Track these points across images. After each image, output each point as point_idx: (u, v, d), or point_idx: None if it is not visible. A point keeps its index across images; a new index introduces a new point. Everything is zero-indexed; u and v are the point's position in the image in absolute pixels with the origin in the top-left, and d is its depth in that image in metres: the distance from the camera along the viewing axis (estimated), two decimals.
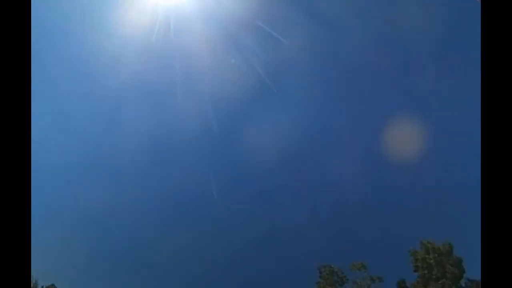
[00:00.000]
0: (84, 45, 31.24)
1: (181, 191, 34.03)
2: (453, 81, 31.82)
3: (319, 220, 31.83)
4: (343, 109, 35.20)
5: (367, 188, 33.11)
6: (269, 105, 33.03)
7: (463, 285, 26.32)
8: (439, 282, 25.79)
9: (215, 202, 33.12)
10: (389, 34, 31.72)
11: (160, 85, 32.97)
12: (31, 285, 25.35)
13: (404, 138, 29.68)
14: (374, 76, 33.14)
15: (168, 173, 34.32)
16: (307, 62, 31.81)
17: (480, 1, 4.97)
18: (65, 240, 28.83)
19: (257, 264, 31.43)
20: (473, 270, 26.09)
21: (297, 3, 31.55)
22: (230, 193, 34.54)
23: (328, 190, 32.37)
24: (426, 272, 26.81)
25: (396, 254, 29.34)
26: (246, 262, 31.78)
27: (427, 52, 32.14)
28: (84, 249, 30.14)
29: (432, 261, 26.76)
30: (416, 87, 32.66)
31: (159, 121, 34.31)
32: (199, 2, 30.16)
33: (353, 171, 31.66)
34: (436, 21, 29.31)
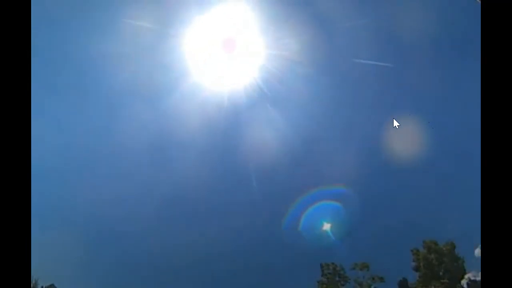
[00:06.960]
0: (84, 44, 31.25)
1: (180, 191, 34.06)
2: (452, 81, 31.84)
3: (319, 220, 31.80)
4: (342, 110, 35.23)
5: (367, 189, 33.14)
6: (268, 108, 33.07)
7: (465, 285, 26.30)
8: (441, 281, 25.77)
9: (215, 203, 33.16)
10: (389, 35, 31.73)
11: (160, 86, 32.99)
12: (31, 285, 25.35)
13: (404, 139, 29.66)
14: (373, 76, 33.16)
15: (168, 173, 34.37)
16: (305, 64, 31.82)
17: (480, 1, 4.97)
18: (65, 240, 28.82)
19: (261, 263, 31.45)
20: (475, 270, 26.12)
21: (295, 4, 31.59)
22: (230, 194, 34.55)
23: (327, 190, 32.33)
24: (427, 271, 26.78)
25: (397, 254, 29.33)
26: (248, 261, 31.80)
27: (427, 52, 32.14)
28: (83, 249, 30.13)
29: (433, 260, 26.73)
30: (416, 88, 32.65)
31: (159, 123, 34.38)
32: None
33: (353, 171, 31.67)
34: (436, 21, 29.30)
